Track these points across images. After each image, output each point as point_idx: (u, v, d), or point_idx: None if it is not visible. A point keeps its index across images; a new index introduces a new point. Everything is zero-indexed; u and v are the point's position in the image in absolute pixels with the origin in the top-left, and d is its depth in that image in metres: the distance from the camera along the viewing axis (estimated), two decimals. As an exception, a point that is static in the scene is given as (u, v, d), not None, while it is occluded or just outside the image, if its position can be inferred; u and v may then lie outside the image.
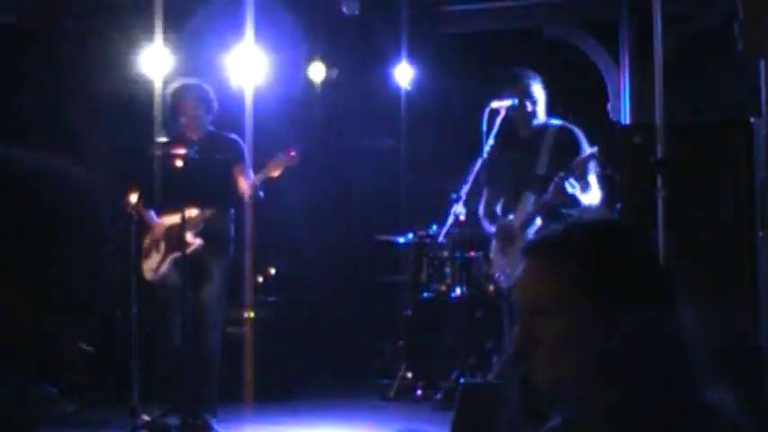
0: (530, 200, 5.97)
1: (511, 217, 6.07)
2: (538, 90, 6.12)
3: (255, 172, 6.44)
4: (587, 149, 5.87)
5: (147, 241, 6.56)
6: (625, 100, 8.38)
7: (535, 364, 1.69)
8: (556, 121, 6.10)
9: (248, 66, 7.57)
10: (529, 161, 5.98)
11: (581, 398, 1.67)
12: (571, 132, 6.00)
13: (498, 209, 6.18)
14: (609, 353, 1.63)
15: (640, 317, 1.65)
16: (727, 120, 5.24)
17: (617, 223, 1.86)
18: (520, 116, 6.11)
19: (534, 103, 6.10)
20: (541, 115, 6.11)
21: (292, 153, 6.40)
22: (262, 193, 6.46)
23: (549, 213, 5.82)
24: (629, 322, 1.64)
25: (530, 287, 1.72)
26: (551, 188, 5.77)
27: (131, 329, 6.51)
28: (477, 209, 6.59)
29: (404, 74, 8.77)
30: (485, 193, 6.27)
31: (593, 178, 5.84)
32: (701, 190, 4.94)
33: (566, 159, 5.81)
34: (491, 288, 7.61)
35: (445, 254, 7.70)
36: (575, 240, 1.72)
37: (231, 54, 7.56)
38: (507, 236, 6.05)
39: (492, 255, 6.27)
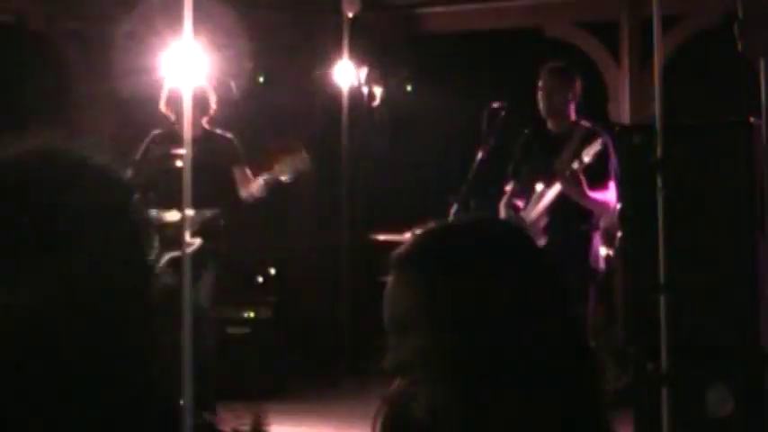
0: (542, 193, 5.95)
1: (524, 211, 6.06)
2: (576, 86, 6.05)
3: (261, 171, 6.42)
4: (613, 156, 5.81)
5: None
6: (625, 100, 8.39)
7: (406, 386, 1.53)
8: (586, 123, 6.04)
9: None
10: (550, 156, 5.96)
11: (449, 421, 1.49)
12: (599, 136, 5.92)
13: (521, 203, 6.17)
14: (472, 375, 1.46)
15: (510, 331, 1.47)
16: (727, 120, 5.24)
17: (486, 223, 1.63)
18: (552, 110, 6.02)
19: (569, 99, 6.02)
20: (573, 113, 6.04)
21: (304, 157, 6.35)
22: (264, 194, 6.45)
23: (560, 209, 5.82)
24: (490, 337, 1.46)
25: (390, 300, 1.55)
26: (560, 181, 5.76)
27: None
28: (475, 208, 6.58)
29: (403, 74, 8.78)
30: (509, 186, 6.24)
31: (610, 179, 5.78)
32: (701, 190, 4.94)
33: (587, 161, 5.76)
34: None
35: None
36: (430, 247, 1.55)
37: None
38: None
39: None
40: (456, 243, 1.54)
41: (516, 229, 1.63)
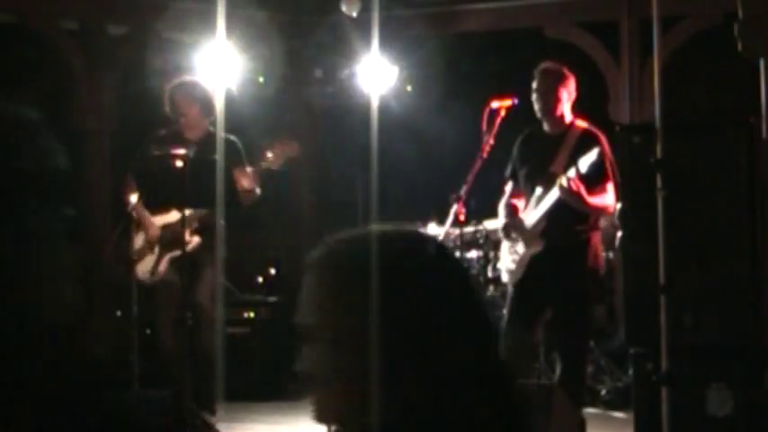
0: (540, 197, 5.95)
1: (524, 214, 6.06)
2: (569, 87, 6.05)
3: (253, 164, 6.44)
4: (610, 157, 5.80)
5: (140, 242, 6.54)
6: (625, 100, 8.39)
7: (315, 394, 1.53)
8: (581, 123, 6.04)
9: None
10: (546, 158, 5.96)
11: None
12: (596, 137, 5.93)
13: (521, 204, 6.17)
14: (382, 383, 1.47)
15: (422, 339, 1.48)
16: (727, 120, 5.24)
17: (392, 233, 1.62)
18: (547, 111, 6.02)
19: (563, 99, 6.01)
20: (568, 114, 6.04)
21: (293, 144, 6.40)
22: (258, 190, 6.45)
23: (558, 212, 5.82)
24: (398, 341, 1.47)
25: (301, 305, 1.56)
26: (557, 188, 5.76)
27: (131, 329, 6.51)
28: (476, 208, 6.59)
29: (403, 74, 8.77)
30: (507, 187, 6.25)
31: (608, 181, 5.79)
32: (701, 190, 4.94)
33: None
34: (491, 288, 7.63)
35: (445, 254, 7.69)
36: (339, 253, 1.55)
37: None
38: (515, 232, 6.04)
39: (501, 251, 6.27)
40: (372, 250, 1.54)
41: (435, 242, 1.64)
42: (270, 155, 6.39)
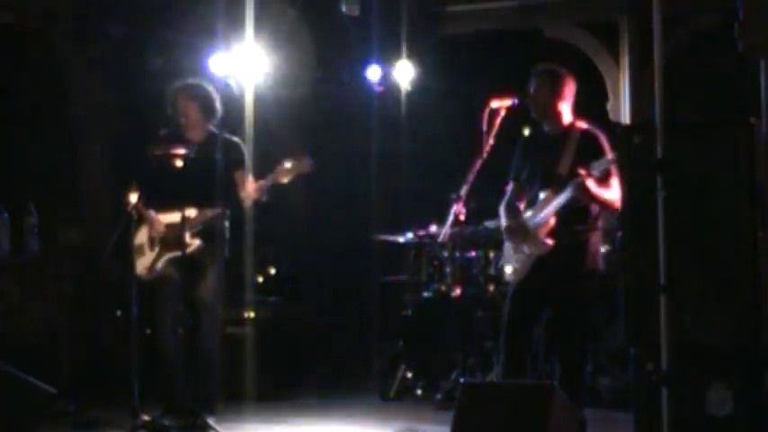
0: (548, 198, 5.94)
1: (527, 214, 6.05)
2: (565, 87, 6.05)
3: (263, 175, 6.42)
4: (609, 154, 5.84)
5: (142, 238, 6.56)
6: (625, 100, 8.39)
7: None
8: (582, 124, 6.05)
9: (248, 65, 7.58)
10: (551, 160, 5.97)
11: None
12: (596, 137, 5.96)
13: (522, 205, 6.16)
14: None
15: None
16: (727, 120, 5.24)
17: None
18: (543, 113, 6.04)
19: (558, 100, 6.02)
20: (567, 114, 6.05)
21: (306, 161, 6.37)
22: (265, 197, 6.46)
23: (565, 213, 5.83)
24: None
25: None
26: (572, 188, 5.76)
27: (131, 329, 6.51)
28: (476, 208, 6.59)
29: (403, 74, 8.78)
30: (509, 187, 6.25)
31: (612, 177, 5.82)
32: (701, 190, 4.94)
33: (588, 162, 5.80)
34: (491, 288, 7.63)
35: (445, 254, 7.71)
36: None
37: (232, 53, 7.57)
38: (519, 233, 6.04)
39: (504, 250, 6.27)
40: None
41: None
42: (281, 170, 6.36)
